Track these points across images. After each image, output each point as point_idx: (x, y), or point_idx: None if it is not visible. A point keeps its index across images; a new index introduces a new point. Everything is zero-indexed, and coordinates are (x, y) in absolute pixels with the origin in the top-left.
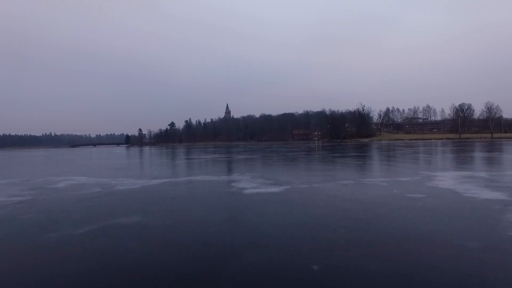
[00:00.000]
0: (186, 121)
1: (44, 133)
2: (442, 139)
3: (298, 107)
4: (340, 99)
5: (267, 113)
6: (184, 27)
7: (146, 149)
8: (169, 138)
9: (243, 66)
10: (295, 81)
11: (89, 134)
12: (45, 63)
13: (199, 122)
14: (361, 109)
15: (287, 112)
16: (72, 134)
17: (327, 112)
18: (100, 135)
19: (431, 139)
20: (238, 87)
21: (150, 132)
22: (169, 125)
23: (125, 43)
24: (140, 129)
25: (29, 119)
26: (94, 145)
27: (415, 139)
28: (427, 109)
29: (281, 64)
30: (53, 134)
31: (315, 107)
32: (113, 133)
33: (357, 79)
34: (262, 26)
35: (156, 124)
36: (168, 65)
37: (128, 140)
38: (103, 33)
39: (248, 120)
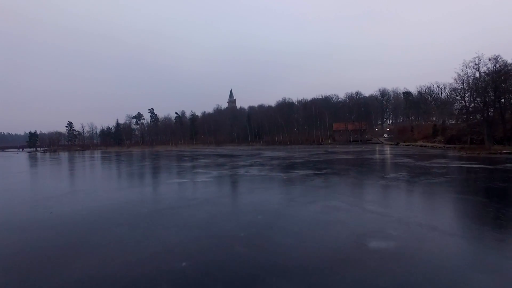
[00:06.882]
0: (151, 111)
1: None
2: None
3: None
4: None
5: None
6: None
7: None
8: (121, 138)
9: (253, 47)
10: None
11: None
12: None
13: (194, 114)
14: None
15: (317, 97)
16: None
17: (393, 92)
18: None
19: None
20: (249, 72)
21: (83, 127)
22: (133, 117)
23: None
24: (69, 123)
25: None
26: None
27: None
28: None
29: (303, 45)
30: (5, 133)
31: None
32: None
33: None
34: None
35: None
36: (165, 45)
37: (34, 142)
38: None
39: (257, 112)
